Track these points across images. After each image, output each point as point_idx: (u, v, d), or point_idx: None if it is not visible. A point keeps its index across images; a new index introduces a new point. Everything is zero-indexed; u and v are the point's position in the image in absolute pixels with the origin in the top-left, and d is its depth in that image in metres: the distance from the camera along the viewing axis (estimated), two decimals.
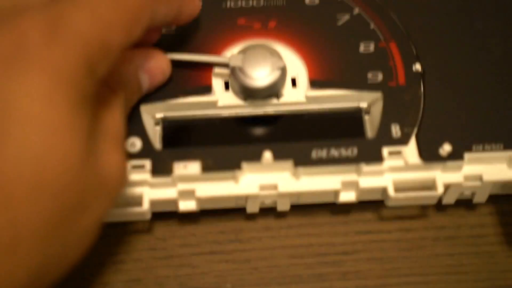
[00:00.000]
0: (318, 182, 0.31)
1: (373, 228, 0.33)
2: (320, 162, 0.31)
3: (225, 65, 0.33)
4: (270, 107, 0.33)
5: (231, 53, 0.33)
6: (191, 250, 0.32)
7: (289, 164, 0.31)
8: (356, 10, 0.35)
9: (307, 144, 0.31)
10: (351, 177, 0.31)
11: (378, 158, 0.31)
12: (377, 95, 0.33)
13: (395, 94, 0.33)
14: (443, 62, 0.33)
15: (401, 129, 0.32)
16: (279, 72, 0.32)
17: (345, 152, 0.31)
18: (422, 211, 0.33)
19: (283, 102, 0.33)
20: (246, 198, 0.31)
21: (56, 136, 0.22)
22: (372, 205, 0.33)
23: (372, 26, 0.34)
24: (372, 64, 0.34)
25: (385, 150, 0.31)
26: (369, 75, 0.33)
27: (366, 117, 0.33)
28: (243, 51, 0.33)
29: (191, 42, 0.34)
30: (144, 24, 0.27)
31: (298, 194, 0.32)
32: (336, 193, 0.31)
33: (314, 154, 0.31)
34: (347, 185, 0.31)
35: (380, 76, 0.33)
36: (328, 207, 0.33)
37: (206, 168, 0.30)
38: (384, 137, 0.31)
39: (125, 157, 0.27)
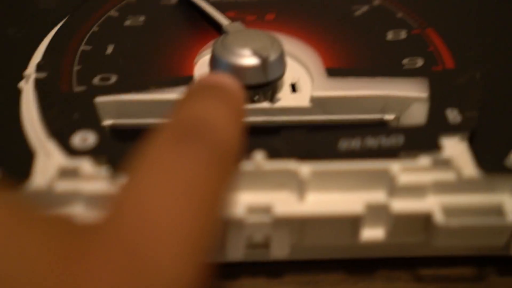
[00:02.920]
0: (331, 202, 0.21)
1: None
2: (351, 156, 0.22)
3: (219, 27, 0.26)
4: (260, 115, 0.25)
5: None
6: None
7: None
8: (377, 1, 0.29)
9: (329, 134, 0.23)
10: (378, 196, 0.21)
11: (434, 147, 0.22)
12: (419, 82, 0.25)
13: (443, 78, 0.25)
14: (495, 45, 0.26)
15: (461, 113, 0.23)
16: (274, 54, 0.24)
17: (386, 141, 0.22)
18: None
19: (279, 107, 0.25)
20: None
21: None
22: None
23: (399, 15, 0.28)
24: (406, 51, 0.26)
25: (445, 141, 0.22)
26: (405, 61, 0.26)
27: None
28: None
29: (163, 37, 0.27)
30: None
31: (303, 223, 0.22)
32: (354, 223, 0.22)
33: (344, 144, 0.22)
34: (373, 210, 0.21)
35: (419, 61, 0.26)
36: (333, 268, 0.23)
37: None
38: (439, 124, 0.23)
39: None
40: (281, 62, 0.24)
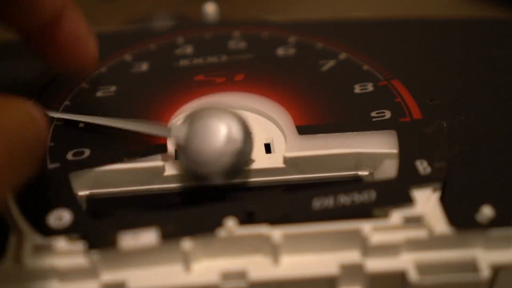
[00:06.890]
0: (306, 264, 0.21)
1: None
2: (326, 214, 0.22)
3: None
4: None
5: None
6: None
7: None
8: (343, 55, 0.29)
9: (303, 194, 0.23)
10: (352, 256, 0.22)
11: (406, 201, 0.22)
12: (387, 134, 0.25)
13: (411, 130, 0.25)
14: (461, 95, 0.27)
15: (430, 164, 0.23)
16: (238, 147, 0.23)
17: (359, 197, 0.22)
18: None
19: (253, 169, 0.25)
20: None
21: None
22: None
23: (365, 67, 0.29)
24: (374, 103, 0.27)
25: (416, 192, 0.22)
26: (373, 113, 0.26)
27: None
28: (190, 118, 0.24)
29: (135, 102, 0.27)
30: None
31: (279, 286, 0.22)
32: (330, 284, 0.21)
33: (317, 203, 0.22)
34: (348, 270, 0.21)
35: (387, 113, 0.26)
36: None
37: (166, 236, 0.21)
38: (409, 176, 0.23)
39: None
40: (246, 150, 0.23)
